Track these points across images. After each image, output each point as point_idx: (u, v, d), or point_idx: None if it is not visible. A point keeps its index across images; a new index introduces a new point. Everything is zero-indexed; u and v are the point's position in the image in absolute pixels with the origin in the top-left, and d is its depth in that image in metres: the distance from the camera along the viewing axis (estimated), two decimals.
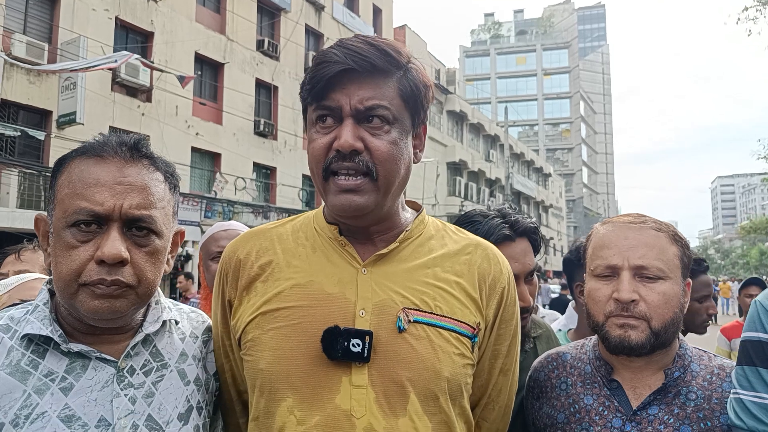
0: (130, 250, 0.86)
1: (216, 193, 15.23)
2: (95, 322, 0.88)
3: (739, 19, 20.08)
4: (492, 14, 78.94)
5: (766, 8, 19.70)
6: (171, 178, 0.95)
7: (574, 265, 1.90)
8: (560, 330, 1.91)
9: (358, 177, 0.89)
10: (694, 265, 1.87)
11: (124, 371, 0.89)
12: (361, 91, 0.88)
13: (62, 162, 0.90)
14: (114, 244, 0.83)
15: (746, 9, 19.99)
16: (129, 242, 0.86)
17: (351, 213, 0.91)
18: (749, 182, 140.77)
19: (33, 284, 1.34)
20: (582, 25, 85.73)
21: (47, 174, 11.43)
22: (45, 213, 0.92)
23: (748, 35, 20.85)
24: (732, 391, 0.95)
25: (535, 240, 1.34)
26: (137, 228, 0.87)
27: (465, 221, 1.35)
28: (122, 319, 0.89)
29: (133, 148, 0.90)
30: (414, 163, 0.98)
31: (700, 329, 1.96)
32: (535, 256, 1.34)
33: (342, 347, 0.87)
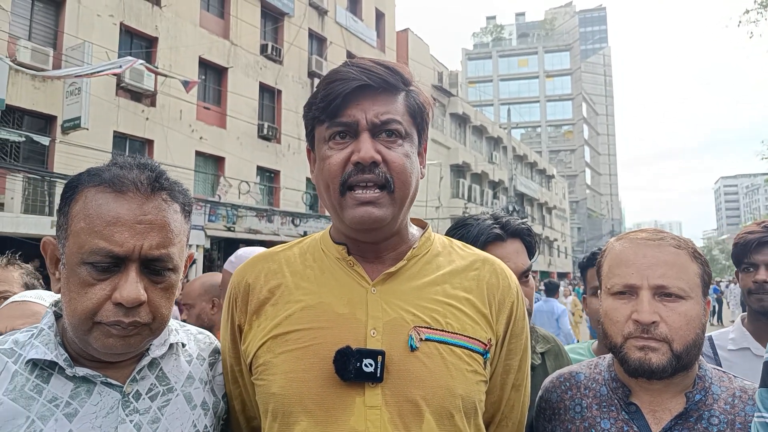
0: (147, 289, 0.84)
1: (220, 197, 15.23)
2: (106, 357, 0.86)
3: (740, 21, 19.97)
4: (494, 17, 78.93)
5: (766, 10, 19.57)
6: (187, 206, 0.93)
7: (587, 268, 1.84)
8: (585, 342, 1.85)
9: (376, 190, 0.89)
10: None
11: (130, 396, 0.87)
12: (376, 107, 0.90)
13: (75, 187, 0.86)
14: (134, 287, 0.81)
15: (747, 12, 19.89)
16: (146, 280, 0.84)
17: (369, 225, 0.91)
18: (752, 182, 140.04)
19: (11, 312, 1.19)
20: (583, 28, 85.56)
21: (52, 179, 11.45)
22: (53, 237, 0.89)
23: (750, 37, 20.75)
24: (756, 414, 0.92)
25: (529, 241, 1.35)
26: (155, 266, 0.85)
27: (458, 225, 1.36)
28: (133, 352, 0.88)
29: (154, 182, 0.87)
30: (420, 178, 0.99)
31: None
32: (530, 257, 1.34)
33: (354, 368, 0.86)
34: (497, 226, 1.31)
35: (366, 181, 0.89)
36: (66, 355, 0.85)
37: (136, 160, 0.89)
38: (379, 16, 23.22)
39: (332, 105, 0.90)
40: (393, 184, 0.90)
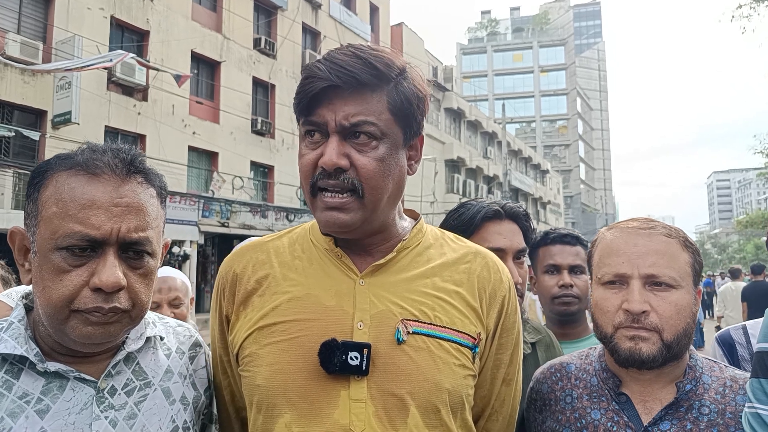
0: (126, 274, 0.81)
1: (213, 193, 15.16)
2: (83, 347, 0.83)
3: (733, 16, 20.02)
4: (488, 12, 78.86)
5: (759, 6, 19.63)
6: (162, 191, 0.91)
7: None
8: None
9: (344, 194, 0.87)
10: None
11: (105, 392, 0.84)
12: (347, 107, 0.85)
13: (45, 172, 0.83)
14: (112, 272, 0.78)
15: (740, 6, 19.95)
16: (124, 265, 0.82)
17: (336, 230, 0.90)
18: (744, 177, 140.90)
19: None
20: (578, 23, 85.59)
21: None
22: (22, 226, 0.85)
23: (743, 33, 20.82)
24: (747, 405, 0.91)
25: (526, 226, 1.38)
26: (133, 251, 0.82)
27: (459, 206, 1.41)
28: (111, 342, 0.85)
29: (129, 164, 0.84)
30: (409, 174, 0.95)
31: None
32: (526, 243, 1.37)
33: (340, 360, 0.85)
34: (497, 205, 1.36)
35: (332, 187, 0.87)
36: (37, 349, 0.82)
37: (109, 145, 0.86)
38: (374, 10, 23.09)
39: (303, 103, 0.88)
40: (362, 189, 0.87)
